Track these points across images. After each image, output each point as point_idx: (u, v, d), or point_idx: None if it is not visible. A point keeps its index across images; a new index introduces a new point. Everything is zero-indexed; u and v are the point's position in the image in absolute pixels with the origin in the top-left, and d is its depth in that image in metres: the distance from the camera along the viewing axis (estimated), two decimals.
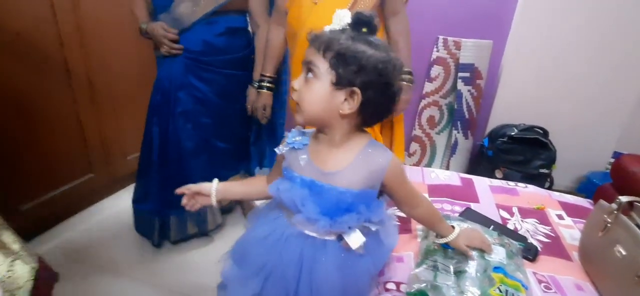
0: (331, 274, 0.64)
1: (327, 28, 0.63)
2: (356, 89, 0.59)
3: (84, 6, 1.49)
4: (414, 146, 2.31)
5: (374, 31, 0.62)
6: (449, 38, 2.09)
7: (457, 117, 2.16)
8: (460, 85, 2.11)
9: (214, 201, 0.75)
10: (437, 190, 1.15)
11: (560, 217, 1.05)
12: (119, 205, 1.78)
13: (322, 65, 0.60)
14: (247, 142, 1.63)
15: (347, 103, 0.61)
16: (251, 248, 0.71)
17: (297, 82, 0.63)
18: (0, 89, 1.27)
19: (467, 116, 2.16)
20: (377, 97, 0.61)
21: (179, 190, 0.75)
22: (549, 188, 1.93)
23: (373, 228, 0.66)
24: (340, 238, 0.65)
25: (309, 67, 0.61)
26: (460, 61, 2.08)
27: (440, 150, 2.30)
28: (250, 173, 1.70)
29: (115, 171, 1.80)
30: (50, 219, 1.59)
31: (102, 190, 1.80)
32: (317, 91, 0.61)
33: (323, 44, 0.59)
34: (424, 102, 2.22)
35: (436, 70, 2.15)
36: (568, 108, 2.03)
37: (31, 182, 1.44)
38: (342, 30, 0.61)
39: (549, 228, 0.99)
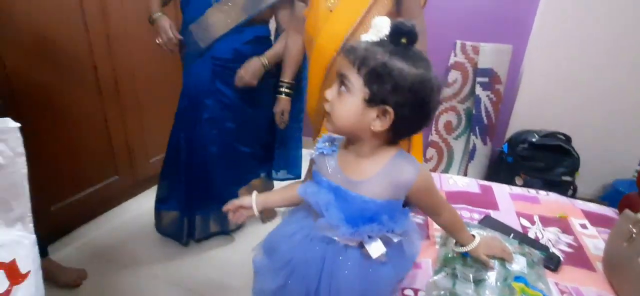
0: (351, 280, 0.65)
1: (364, 38, 0.61)
2: (389, 108, 0.58)
3: (113, 15, 1.56)
4: (431, 151, 2.29)
5: (414, 41, 0.59)
6: (467, 43, 2.07)
7: (475, 123, 2.13)
8: (478, 90, 2.08)
9: (256, 212, 0.78)
10: (455, 197, 1.15)
11: (583, 226, 1.03)
12: (142, 206, 1.85)
13: (356, 81, 0.58)
14: (268, 147, 1.68)
15: (379, 121, 0.60)
16: (280, 242, 0.73)
17: (330, 93, 0.63)
18: (36, 94, 1.35)
19: (485, 121, 2.13)
20: (410, 115, 0.59)
21: (225, 208, 0.79)
22: (572, 196, 1.87)
23: (395, 239, 0.66)
24: (361, 245, 0.66)
25: (342, 80, 0.60)
26: (479, 66, 2.05)
27: (457, 156, 2.27)
28: (271, 177, 1.74)
29: (138, 173, 1.86)
30: (77, 219, 1.66)
31: (126, 192, 1.87)
32: (349, 106, 0.60)
33: (358, 59, 0.57)
34: (441, 107, 2.20)
35: (454, 75, 2.13)
36: (592, 114, 1.97)
37: (62, 183, 1.51)
38: (380, 43, 0.59)
39: (572, 237, 0.97)
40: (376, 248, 0.63)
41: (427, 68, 0.59)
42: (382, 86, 0.57)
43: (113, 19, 1.57)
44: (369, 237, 0.64)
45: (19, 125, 0.53)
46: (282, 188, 0.83)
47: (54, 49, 1.39)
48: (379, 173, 0.64)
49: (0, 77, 1.22)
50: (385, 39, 0.59)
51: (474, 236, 0.77)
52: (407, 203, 0.69)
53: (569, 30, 1.88)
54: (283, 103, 1.38)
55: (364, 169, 0.65)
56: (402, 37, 0.58)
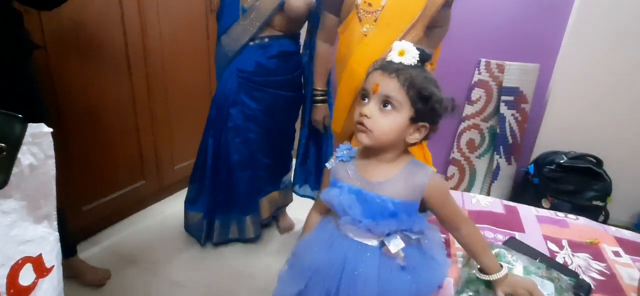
0: (370, 281, 0.67)
1: (398, 60, 0.68)
2: (426, 124, 0.68)
3: (149, 30, 1.65)
4: (452, 169, 2.25)
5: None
6: (491, 61, 2.05)
7: (499, 142, 2.08)
8: (503, 108, 2.04)
9: None
10: (478, 217, 1.12)
11: (616, 254, 0.98)
12: (166, 211, 1.91)
13: (404, 101, 0.66)
14: (289, 158, 1.71)
15: (417, 134, 0.69)
16: (301, 250, 0.77)
17: (369, 110, 0.67)
18: (78, 97, 1.44)
19: (510, 141, 2.08)
20: (433, 128, 0.70)
21: None
22: (604, 222, 1.78)
23: (413, 237, 0.69)
24: (382, 244, 0.69)
25: (387, 99, 0.66)
26: (504, 84, 2.02)
27: (480, 175, 2.22)
28: (289, 189, 1.76)
29: (163, 179, 1.93)
30: (105, 220, 1.73)
31: (151, 196, 1.93)
32: (395, 122, 0.67)
33: (407, 80, 0.65)
34: (463, 125, 2.17)
35: (477, 93, 2.10)
36: (625, 136, 1.88)
37: (93, 184, 1.59)
38: (414, 67, 0.67)
39: (604, 265, 0.92)
40: (395, 244, 0.67)
41: (440, 89, 0.69)
42: (425, 106, 0.66)
43: (150, 34, 1.66)
44: (388, 234, 0.68)
45: (51, 130, 0.58)
46: (311, 221, 0.84)
47: (95, 55, 1.48)
48: (396, 176, 0.70)
49: (45, 77, 1.30)
50: (415, 62, 0.68)
51: (501, 266, 0.74)
52: (423, 210, 0.73)
53: (598, 48, 1.82)
54: (322, 110, 1.41)
55: (382, 172, 0.71)
56: (425, 62, 0.69)
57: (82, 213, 1.54)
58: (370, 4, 1.09)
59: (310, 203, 1.69)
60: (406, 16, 1.07)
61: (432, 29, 1.17)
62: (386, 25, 1.08)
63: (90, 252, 1.56)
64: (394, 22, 1.08)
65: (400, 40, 1.05)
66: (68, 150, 1.44)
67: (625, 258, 0.96)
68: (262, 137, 1.53)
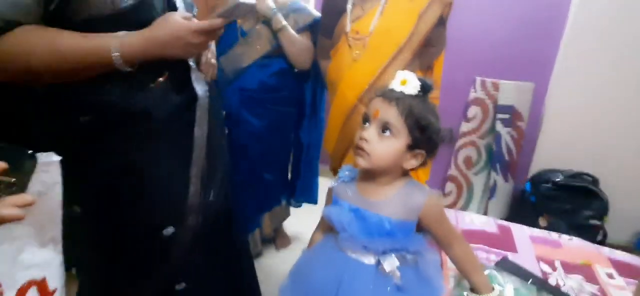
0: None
1: (400, 89, 0.70)
2: (423, 152, 0.71)
3: None
4: (450, 186, 2.25)
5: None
6: (487, 79, 2.08)
7: (496, 159, 2.09)
8: (499, 126, 2.06)
9: None
10: (471, 236, 1.12)
11: (610, 276, 0.97)
12: None
13: (402, 129, 0.68)
14: (287, 173, 1.72)
15: (413, 161, 0.71)
16: (302, 265, 0.81)
17: (368, 134, 0.70)
18: None
19: (507, 158, 2.09)
20: (430, 155, 0.72)
21: None
22: (602, 242, 1.77)
23: (408, 257, 0.70)
24: (379, 262, 0.70)
25: (386, 125, 0.69)
26: (499, 102, 2.04)
27: (477, 192, 2.22)
28: (290, 204, 1.77)
29: None
30: None
31: None
32: (392, 148, 0.69)
33: (406, 109, 0.68)
34: (460, 142, 2.18)
35: (473, 111, 2.12)
36: (621, 155, 1.89)
37: None
38: (415, 96, 0.69)
39: (597, 287, 0.92)
40: (390, 262, 0.69)
41: (438, 118, 0.72)
42: (423, 135, 0.69)
43: None
44: (384, 253, 0.69)
45: (60, 158, 0.60)
46: (315, 237, 0.88)
47: None
48: (394, 196, 0.73)
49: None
50: (416, 93, 0.70)
51: (493, 288, 0.75)
52: (420, 229, 0.74)
53: (592, 67, 1.84)
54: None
55: (380, 192, 0.74)
56: (427, 93, 0.71)
57: None
58: (357, 32, 1.13)
59: (301, 213, 1.72)
60: (393, 41, 1.10)
61: (427, 48, 1.19)
62: (375, 50, 1.11)
63: None
64: (382, 47, 1.11)
65: (388, 65, 1.09)
66: None
67: (619, 280, 0.96)
68: (265, 154, 1.53)
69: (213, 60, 0.96)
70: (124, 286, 0.79)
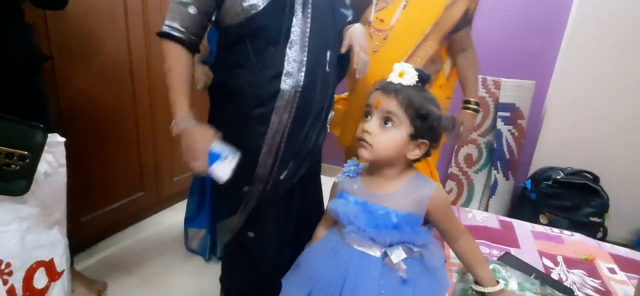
0: (371, 291, 0.68)
1: (398, 81, 0.71)
2: (426, 141, 0.71)
3: (153, 38, 1.69)
4: (450, 184, 2.26)
5: (428, 83, 0.74)
6: (488, 77, 2.08)
7: (496, 157, 2.10)
8: (500, 124, 2.06)
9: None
10: (473, 232, 1.12)
11: (612, 271, 0.98)
12: (163, 222, 1.91)
13: (403, 119, 0.69)
14: None
15: (417, 150, 0.72)
16: (305, 259, 0.81)
17: (371, 127, 0.71)
18: (80, 107, 1.46)
19: (507, 156, 2.09)
20: (433, 144, 0.73)
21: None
22: (602, 239, 1.78)
23: (415, 250, 0.71)
24: (384, 255, 0.71)
25: (388, 116, 0.70)
26: (500, 100, 2.05)
27: (478, 190, 2.23)
28: None
29: (162, 191, 1.93)
30: (102, 232, 1.73)
31: (150, 208, 1.93)
32: (394, 139, 0.70)
33: (406, 100, 0.69)
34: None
35: None
36: (622, 153, 1.89)
37: (93, 194, 1.60)
38: (414, 87, 0.71)
39: (599, 281, 0.93)
40: (397, 254, 0.69)
41: (439, 107, 0.72)
42: (424, 124, 0.70)
43: (153, 47, 1.70)
44: (390, 245, 0.70)
45: (64, 139, 0.60)
46: (322, 226, 0.88)
47: (99, 66, 1.50)
48: (401, 189, 0.73)
49: (49, 85, 1.31)
50: (415, 83, 0.71)
51: (498, 281, 0.76)
52: (425, 224, 0.75)
53: (593, 65, 1.85)
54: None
55: (387, 186, 0.74)
56: (425, 83, 0.72)
57: (80, 223, 1.54)
58: (382, 20, 1.13)
59: None
60: (417, 30, 1.10)
61: (463, 51, 1.22)
62: (397, 40, 1.11)
63: (87, 263, 1.55)
64: (405, 36, 1.11)
65: (410, 56, 1.09)
66: (68, 159, 1.45)
67: (621, 275, 0.97)
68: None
69: (364, 56, 0.95)
70: (220, 219, 1.07)
